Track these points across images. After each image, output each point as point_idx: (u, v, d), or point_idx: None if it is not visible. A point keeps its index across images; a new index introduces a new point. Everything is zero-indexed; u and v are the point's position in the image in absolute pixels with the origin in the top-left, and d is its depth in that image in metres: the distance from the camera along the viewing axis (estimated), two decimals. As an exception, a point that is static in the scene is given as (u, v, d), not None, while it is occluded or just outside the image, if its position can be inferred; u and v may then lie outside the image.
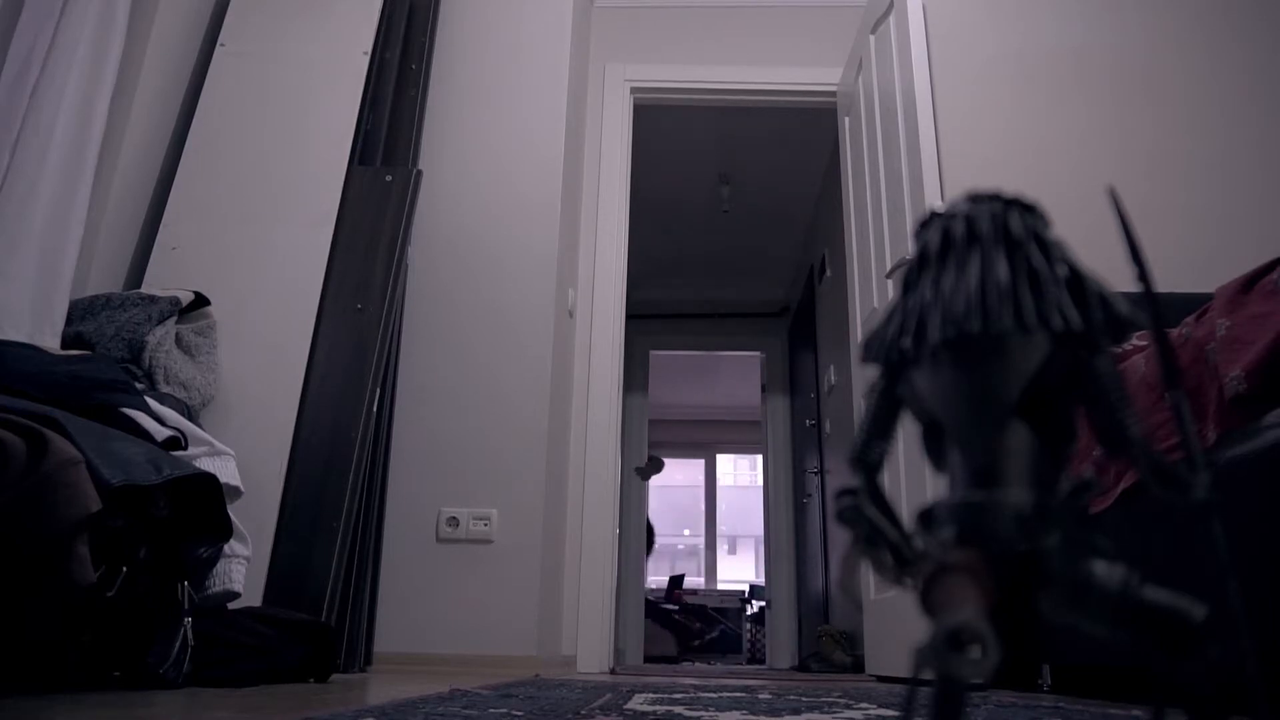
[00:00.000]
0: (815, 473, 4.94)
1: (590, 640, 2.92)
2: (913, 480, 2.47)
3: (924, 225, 0.37)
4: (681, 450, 9.33)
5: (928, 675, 0.29)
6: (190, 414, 1.96)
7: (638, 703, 1.22)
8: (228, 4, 2.79)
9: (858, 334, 3.19)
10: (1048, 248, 0.34)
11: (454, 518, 2.52)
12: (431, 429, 2.59)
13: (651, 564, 7.28)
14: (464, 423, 2.61)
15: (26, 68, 2.00)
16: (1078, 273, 0.34)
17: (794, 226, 5.52)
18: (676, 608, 7.29)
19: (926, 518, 0.34)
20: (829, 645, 4.08)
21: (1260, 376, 1.19)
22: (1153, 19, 3.29)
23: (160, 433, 1.58)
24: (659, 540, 9.25)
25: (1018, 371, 0.33)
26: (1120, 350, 1.54)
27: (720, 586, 8.65)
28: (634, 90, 3.54)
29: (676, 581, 7.83)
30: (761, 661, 6.52)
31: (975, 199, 0.36)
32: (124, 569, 1.26)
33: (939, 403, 0.35)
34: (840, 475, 4.41)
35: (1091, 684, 1.85)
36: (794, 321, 5.95)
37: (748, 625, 7.31)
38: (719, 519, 9.47)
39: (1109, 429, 0.33)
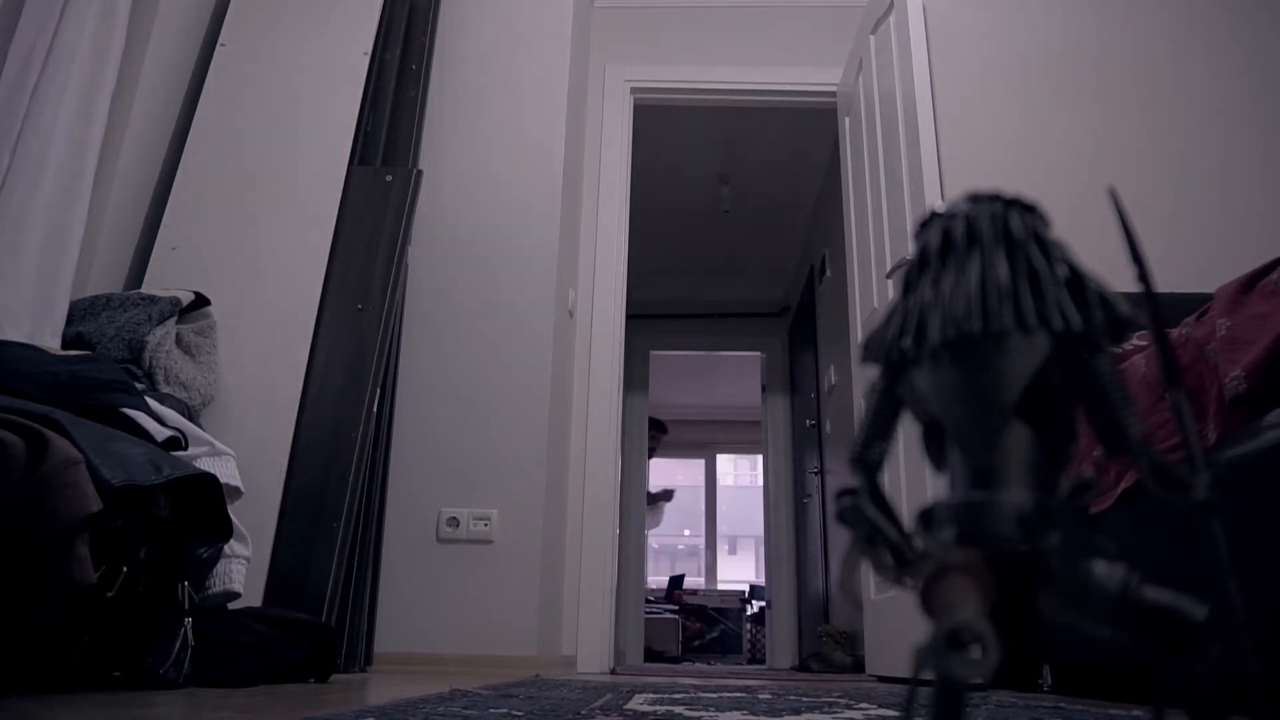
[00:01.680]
0: (815, 473, 4.94)
1: (590, 640, 2.92)
2: (913, 480, 2.47)
3: (924, 225, 0.37)
4: (681, 450, 9.32)
5: (928, 675, 0.29)
6: (190, 414, 1.96)
7: (638, 703, 1.22)
8: (228, 4, 2.79)
9: (858, 334, 3.19)
10: (1048, 248, 0.34)
11: (454, 518, 2.52)
12: (431, 429, 2.59)
13: (651, 564, 7.32)
14: (464, 423, 2.60)
15: (27, 68, 2.00)
16: (1078, 273, 0.34)
17: (794, 226, 5.52)
18: (676, 608, 7.29)
19: (926, 518, 0.34)
20: (829, 645, 4.08)
21: (1261, 376, 1.19)
22: (1153, 19, 3.29)
23: (160, 433, 1.58)
24: (659, 541, 9.24)
25: (1018, 372, 0.33)
26: (1120, 350, 1.54)
27: (720, 586, 8.64)
28: (634, 90, 3.54)
29: (676, 582, 7.83)
30: (762, 662, 6.52)
31: (975, 199, 0.36)
32: (124, 569, 1.26)
33: (939, 403, 0.35)
34: (840, 475, 4.41)
35: (1091, 684, 1.85)
36: (794, 321, 5.94)
37: (748, 625, 7.31)
38: (719, 519, 9.47)
39: (1109, 429, 0.33)
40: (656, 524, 7.32)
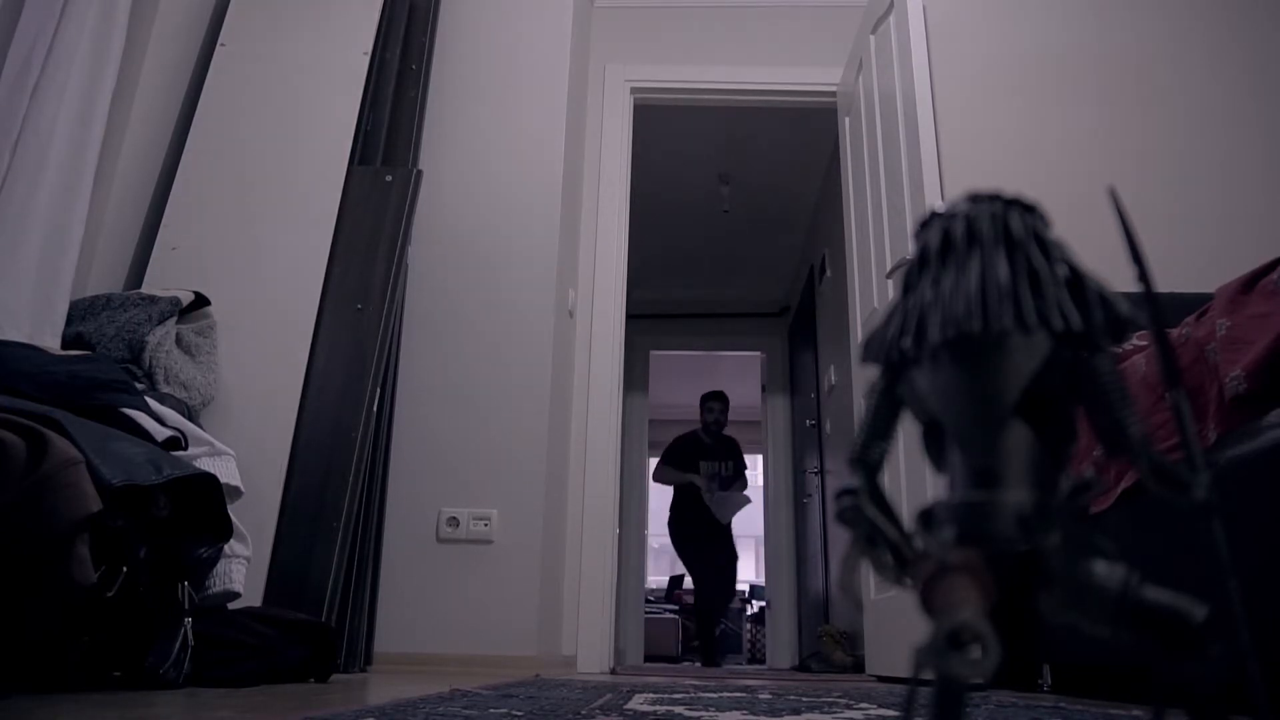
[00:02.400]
0: (815, 473, 4.94)
1: (590, 640, 2.92)
2: (913, 480, 2.47)
3: (924, 225, 0.37)
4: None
5: (928, 675, 0.29)
6: (190, 414, 1.96)
7: (638, 703, 1.22)
8: (228, 4, 2.79)
9: (858, 334, 3.19)
10: (1048, 248, 0.34)
11: (454, 518, 2.52)
12: (431, 429, 2.59)
13: (651, 563, 7.27)
14: (464, 423, 2.60)
15: (27, 68, 2.00)
16: (1078, 273, 0.34)
17: (794, 226, 5.52)
18: (676, 608, 7.29)
19: (926, 518, 0.34)
20: (829, 645, 4.08)
21: (1261, 376, 1.19)
22: (1153, 19, 3.29)
23: (160, 433, 1.58)
24: (658, 542, 9.22)
25: (1018, 371, 0.33)
26: (1120, 350, 1.54)
27: (720, 586, 8.62)
28: (634, 90, 3.54)
29: (676, 581, 7.83)
30: (762, 661, 6.53)
31: (975, 199, 0.36)
32: (124, 569, 1.26)
33: (939, 403, 0.35)
34: (840, 475, 4.41)
35: (1092, 684, 1.85)
36: (794, 321, 5.94)
37: (748, 625, 7.31)
38: (719, 519, 9.44)
39: (1109, 429, 0.33)
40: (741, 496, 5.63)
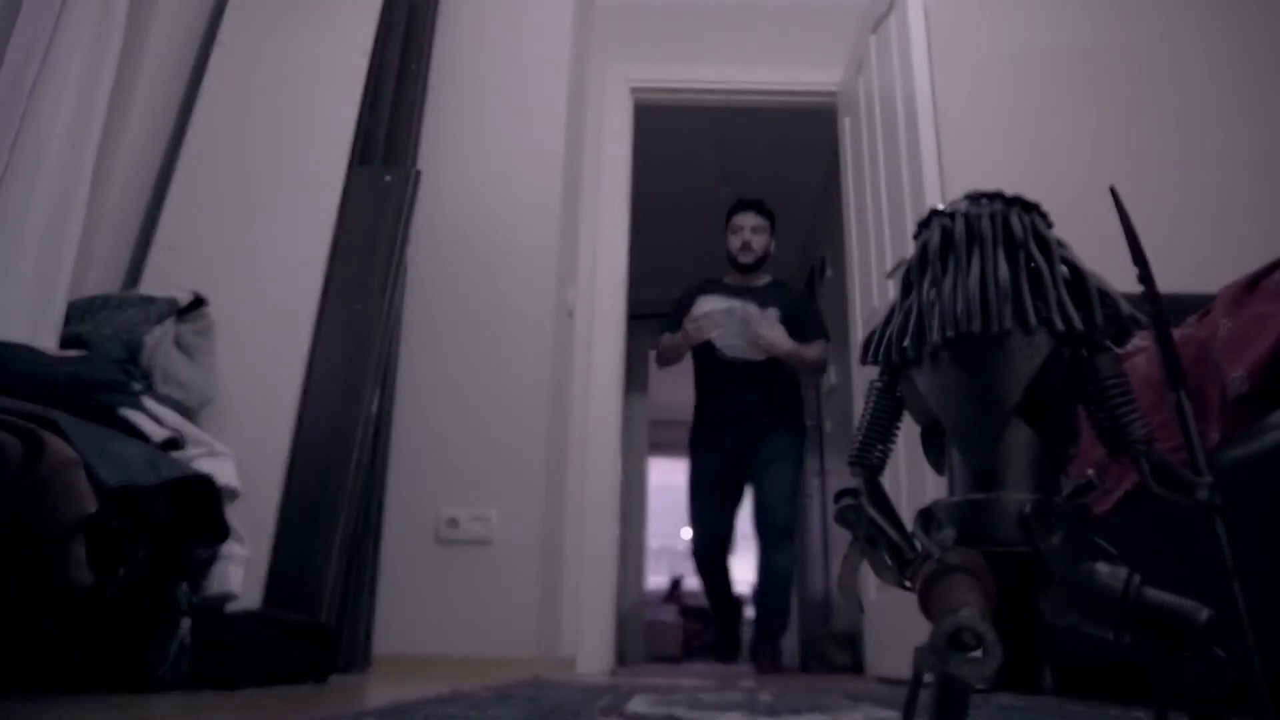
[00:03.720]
0: (815, 473, 4.93)
1: (590, 641, 2.91)
2: (913, 480, 2.46)
3: (924, 225, 0.37)
4: (681, 450, 9.29)
5: (929, 676, 0.28)
6: (188, 415, 1.95)
7: (638, 704, 1.22)
8: (226, 2, 2.78)
9: (858, 334, 3.19)
10: (1049, 247, 0.34)
11: (453, 518, 2.51)
12: (431, 429, 2.59)
13: (651, 564, 7.26)
14: (464, 423, 2.60)
15: (25, 67, 2.00)
16: (1079, 272, 0.34)
17: (794, 226, 5.51)
18: (677, 609, 7.29)
19: (927, 518, 0.34)
20: (830, 646, 4.07)
21: (1264, 376, 1.18)
22: (1153, 19, 3.29)
23: (158, 433, 1.58)
24: (658, 542, 9.21)
25: (1019, 372, 0.33)
26: (1121, 350, 1.53)
27: (720, 587, 8.60)
28: (634, 90, 3.54)
29: (676, 583, 7.83)
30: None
31: (976, 198, 0.36)
32: (122, 570, 1.25)
33: (939, 403, 0.34)
34: (840, 475, 4.40)
35: (1094, 684, 1.84)
36: (794, 322, 5.92)
37: (748, 626, 7.29)
38: (719, 519, 9.42)
39: (1111, 429, 0.33)
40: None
